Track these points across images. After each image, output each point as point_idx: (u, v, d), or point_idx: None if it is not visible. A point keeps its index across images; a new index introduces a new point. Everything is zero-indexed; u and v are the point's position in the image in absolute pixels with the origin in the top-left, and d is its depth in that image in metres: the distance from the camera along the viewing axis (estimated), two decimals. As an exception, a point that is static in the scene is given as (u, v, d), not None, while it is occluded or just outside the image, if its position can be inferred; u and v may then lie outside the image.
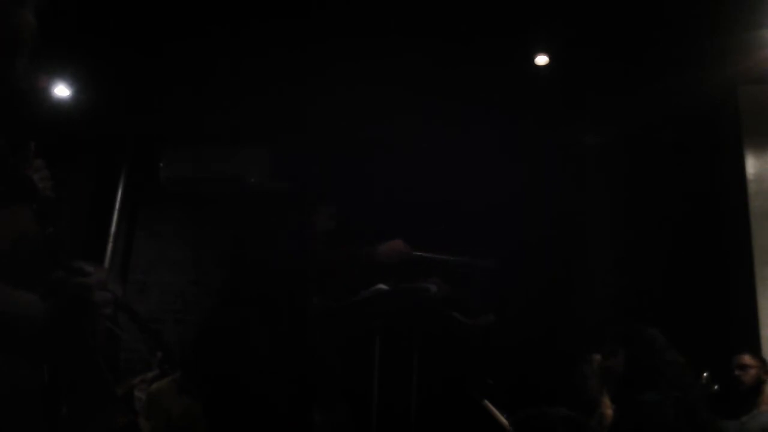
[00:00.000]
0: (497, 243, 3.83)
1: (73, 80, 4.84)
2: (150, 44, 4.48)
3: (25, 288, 1.12)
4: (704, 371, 3.60)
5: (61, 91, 4.89)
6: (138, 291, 5.67)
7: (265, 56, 4.52)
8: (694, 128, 4.90)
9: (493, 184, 4.92)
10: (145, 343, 4.59)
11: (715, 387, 3.63)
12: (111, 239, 5.59)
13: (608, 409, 3.40)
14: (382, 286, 2.70)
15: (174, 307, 5.55)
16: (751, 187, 4.58)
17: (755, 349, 3.97)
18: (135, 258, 5.83)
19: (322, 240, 2.68)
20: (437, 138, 4.98)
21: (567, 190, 5.07)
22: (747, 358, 3.75)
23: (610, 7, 4.02)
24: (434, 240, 2.91)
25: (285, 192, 2.76)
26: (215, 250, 5.50)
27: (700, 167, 4.86)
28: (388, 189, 4.68)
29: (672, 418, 2.49)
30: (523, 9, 4.09)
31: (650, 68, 4.47)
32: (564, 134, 5.14)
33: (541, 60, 4.54)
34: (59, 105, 4.90)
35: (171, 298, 5.63)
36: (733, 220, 4.66)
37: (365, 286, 2.73)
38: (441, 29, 4.25)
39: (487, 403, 3.69)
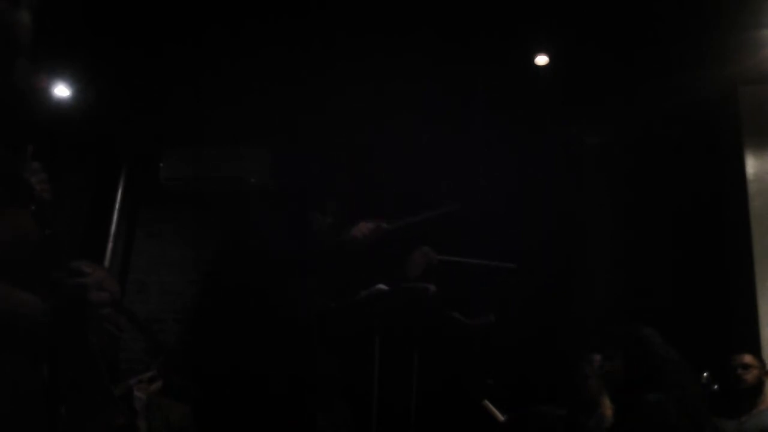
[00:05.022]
0: (497, 243, 3.83)
1: (73, 80, 4.84)
2: (150, 44, 4.48)
3: (24, 290, 1.13)
4: (704, 371, 3.60)
5: (61, 91, 4.89)
6: (138, 291, 5.68)
7: (266, 56, 4.52)
8: (694, 128, 4.89)
9: (492, 184, 4.92)
10: (144, 344, 4.59)
11: (715, 387, 3.63)
12: (111, 239, 5.60)
13: (608, 409, 3.40)
14: (382, 286, 2.70)
15: (174, 307, 5.55)
16: (751, 187, 4.57)
17: (755, 349, 3.97)
18: (135, 258, 5.83)
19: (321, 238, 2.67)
20: (436, 138, 4.98)
21: (567, 190, 5.06)
22: (747, 358, 3.75)
23: (609, 7, 4.02)
24: (434, 240, 2.91)
25: (285, 191, 2.76)
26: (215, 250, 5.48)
27: (700, 167, 4.85)
28: (387, 189, 4.67)
29: (674, 418, 2.49)
30: (523, 9, 4.09)
31: (650, 68, 4.46)
32: (564, 134, 5.14)
33: (541, 60, 4.55)
34: (59, 105, 4.90)
35: (171, 298, 5.62)
36: (733, 220, 4.66)
37: (365, 286, 2.72)
38: (441, 29, 4.25)
39: (486, 402, 3.70)
